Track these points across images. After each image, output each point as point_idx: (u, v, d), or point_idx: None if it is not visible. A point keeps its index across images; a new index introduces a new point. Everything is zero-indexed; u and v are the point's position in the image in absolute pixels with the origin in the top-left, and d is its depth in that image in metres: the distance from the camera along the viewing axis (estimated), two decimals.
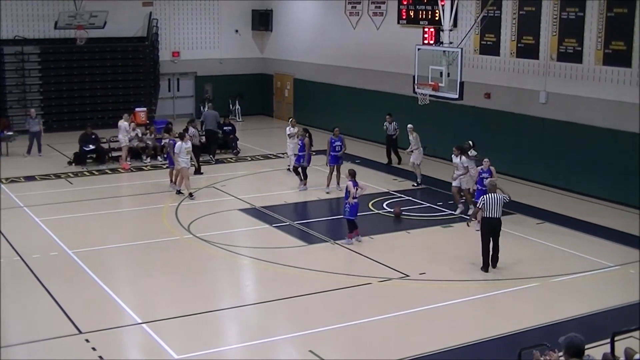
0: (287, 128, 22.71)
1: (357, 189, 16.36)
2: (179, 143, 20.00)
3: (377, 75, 27.53)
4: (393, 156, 24.44)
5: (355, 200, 16.28)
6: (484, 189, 16.34)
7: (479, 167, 17.49)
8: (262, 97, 34.29)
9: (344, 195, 16.82)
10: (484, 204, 14.66)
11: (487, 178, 16.73)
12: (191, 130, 22.46)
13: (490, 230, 14.74)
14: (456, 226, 17.78)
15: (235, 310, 13.18)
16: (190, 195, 19.95)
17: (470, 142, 19.05)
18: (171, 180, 20.97)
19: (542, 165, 21.70)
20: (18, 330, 12.26)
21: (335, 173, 20.76)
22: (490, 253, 14.87)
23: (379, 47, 27.23)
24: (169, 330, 12.10)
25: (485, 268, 14.88)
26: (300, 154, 20.75)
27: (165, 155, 22.62)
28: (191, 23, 32.89)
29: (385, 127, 24.10)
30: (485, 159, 17.41)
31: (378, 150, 25.67)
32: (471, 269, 15.16)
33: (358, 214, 16.59)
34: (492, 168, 17.25)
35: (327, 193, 20.45)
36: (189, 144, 20.22)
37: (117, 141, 24.08)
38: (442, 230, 17.65)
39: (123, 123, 23.90)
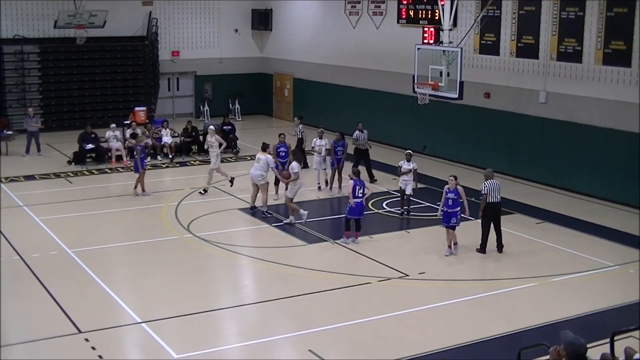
0: (314, 140, 20.86)
1: (362, 189, 16.31)
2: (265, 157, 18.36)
3: (376, 75, 27.52)
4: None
5: (357, 200, 16.24)
6: (449, 211, 15.58)
7: (446, 187, 15.71)
8: (262, 97, 34.28)
9: (347, 194, 16.77)
10: (488, 189, 15.47)
11: (452, 199, 15.47)
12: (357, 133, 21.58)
13: (492, 214, 15.62)
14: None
15: (235, 309, 13.17)
16: (268, 213, 18.42)
17: (410, 152, 18.88)
18: (135, 187, 20.20)
19: (541, 165, 21.69)
20: (18, 329, 12.25)
21: (337, 176, 20.53)
22: (495, 238, 15.78)
23: (379, 47, 27.22)
24: (169, 330, 12.10)
25: (482, 250, 15.77)
26: (283, 160, 19.70)
27: (133, 159, 20.49)
28: (191, 22, 32.89)
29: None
30: (451, 177, 15.76)
31: (377, 150, 25.62)
32: (471, 268, 15.21)
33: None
34: (459, 188, 15.59)
35: (331, 195, 20.39)
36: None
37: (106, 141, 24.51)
38: (442, 230, 17.58)
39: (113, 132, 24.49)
